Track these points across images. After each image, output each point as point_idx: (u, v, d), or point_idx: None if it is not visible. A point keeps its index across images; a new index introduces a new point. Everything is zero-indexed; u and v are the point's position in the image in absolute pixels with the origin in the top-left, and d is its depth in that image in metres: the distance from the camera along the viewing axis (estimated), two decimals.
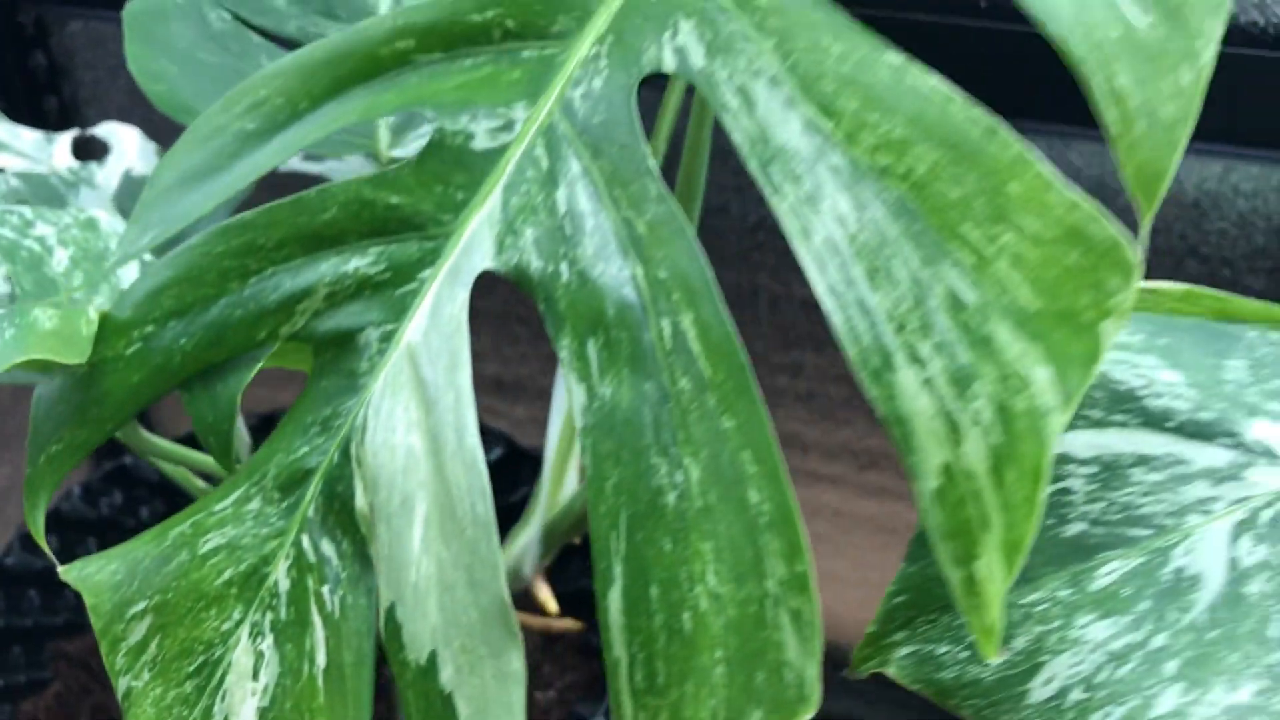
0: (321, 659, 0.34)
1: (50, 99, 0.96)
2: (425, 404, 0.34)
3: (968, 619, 0.25)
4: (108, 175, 0.71)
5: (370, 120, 0.37)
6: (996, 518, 0.25)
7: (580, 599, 0.68)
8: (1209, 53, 0.25)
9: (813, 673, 0.27)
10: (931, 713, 0.34)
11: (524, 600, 0.71)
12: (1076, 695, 0.28)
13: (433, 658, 0.32)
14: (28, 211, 0.53)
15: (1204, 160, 0.78)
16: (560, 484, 0.62)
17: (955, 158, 0.26)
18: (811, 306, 0.65)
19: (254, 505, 0.36)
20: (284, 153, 0.38)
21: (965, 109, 0.27)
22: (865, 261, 0.27)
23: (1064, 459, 0.31)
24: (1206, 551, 0.30)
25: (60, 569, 0.36)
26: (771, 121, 0.30)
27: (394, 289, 0.35)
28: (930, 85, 0.28)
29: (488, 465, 0.82)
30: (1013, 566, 0.24)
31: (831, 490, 0.91)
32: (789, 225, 0.29)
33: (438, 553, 0.32)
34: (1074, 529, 0.30)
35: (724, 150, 0.44)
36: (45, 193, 0.67)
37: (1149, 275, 0.89)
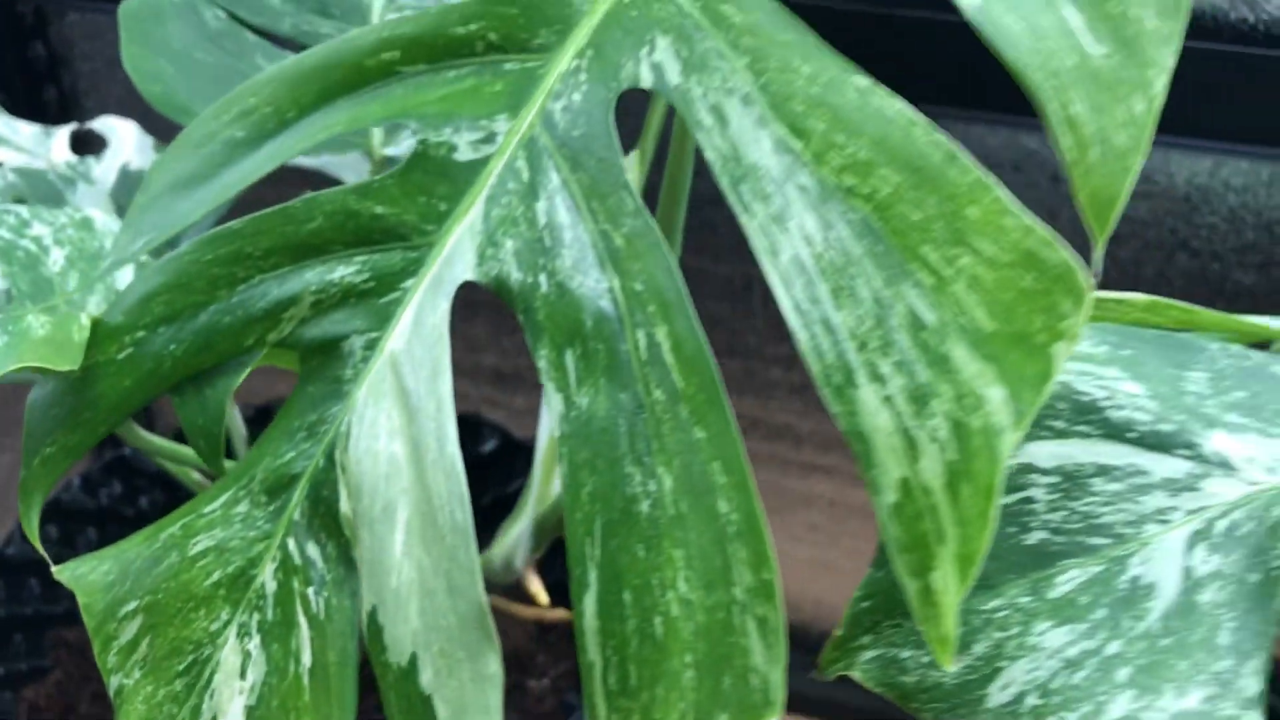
0: (307, 659, 0.35)
1: (49, 89, 0.96)
2: (408, 412, 0.34)
3: (924, 628, 0.26)
4: (105, 170, 0.72)
5: (356, 130, 0.38)
6: (951, 531, 0.25)
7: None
8: (1161, 82, 0.26)
9: (777, 678, 0.28)
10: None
11: (516, 591, 0.72)
12: (1032, 700, 0.29)
13: (413, 660, 0.33)
14: (24, 211, 0.54)
15: (1195, 156, 0.79)
16: (551, 478, 0.63)
17: (917, 181, 0.27)
18: None
19: (242, 508, 0.36)
20: (272, 161, 0.39)
21: (927, 133, 0.28)
22: (830, 280, 0.28)
23: (1027, 469, 0.32)
24: (1162, 561, 0.30)
25: (54, 569, 0.37)
26: (743, 140, 0.31)
27: (378, 298, 0.36)
28: (895, 109, 0.28)
29: (484, 456, 0.83)
30: (966, 578, 0.25)
31: (825, 481, 0.92)
32: (757, 243, 0.29)
33: (418, 558, 0.33)
34: (1035, 537, 0.31)
35: None
36: (43, 189, 0.67)
37: (1140, 268, 0.90)
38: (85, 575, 0.37)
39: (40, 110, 0.95)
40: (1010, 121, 0.77)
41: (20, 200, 0.66)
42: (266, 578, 0.36)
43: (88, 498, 0.78)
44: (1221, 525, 0.31)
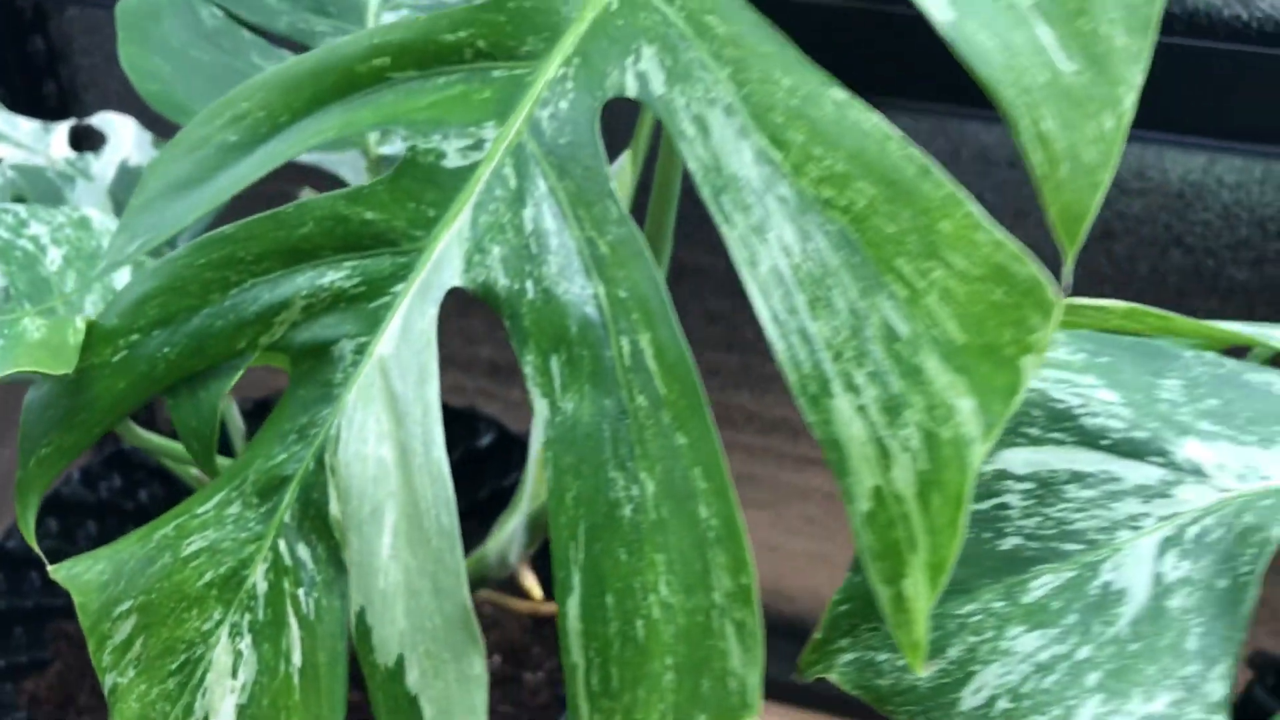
0: (297, 658, 0.35)
1: (49, 84, 0.97)
2: (396, 416, 0.35)
3: (896, 634, 0.26)
4: (104, 166, 0.72)
5: (347, 137, 0.38)
6: (922, 540, 0.26)
7: None
8: (1130, 99, 0.27)
9: (754, 681, 0.29)
10: None
11: (511, 586, 0.73)
12: (1004, 704, 0.30)
13: (400, 661, 0.34)
14: (22, 210, 0.54)
15: (1189, 153, 0.79)
16: (545, 474, 0.63)
17: (892, 194, 0.28)
18: None
19: (234, 509, 0.37)
20: (265, 166, 0.39)
21: (902, 147, 0.28)
22: (808, 291, 0.29)
23: (1002, 475, 0.32)
24: (1133, 566, 0.31)
25: (50, 568, 0.38)
26: (725, 150, 0.31)
27: (367, 302, 0.37)
28: (871, 123, 0.29)
29: (480, 450, 0.84)
30: (936, 586, 0.26)
31: (822, 474, 0.92)
32: (738, 254, 0.30)
33: (405, 561, 0.34)
34: (1010, 543, 0.32)
35: None
36: (41, 186, 0.68)
37: (1134, 265, 0.90)
38: (80, 575, 0.37)
39: (39, 105, 0.96)
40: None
41: (19, 197, 0.67)
42: (258, 578, 0.36)
43: (88, 491, 0.79)
44: (1192, 531, 0.31)
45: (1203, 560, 0.31)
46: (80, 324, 0.39)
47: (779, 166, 0.30)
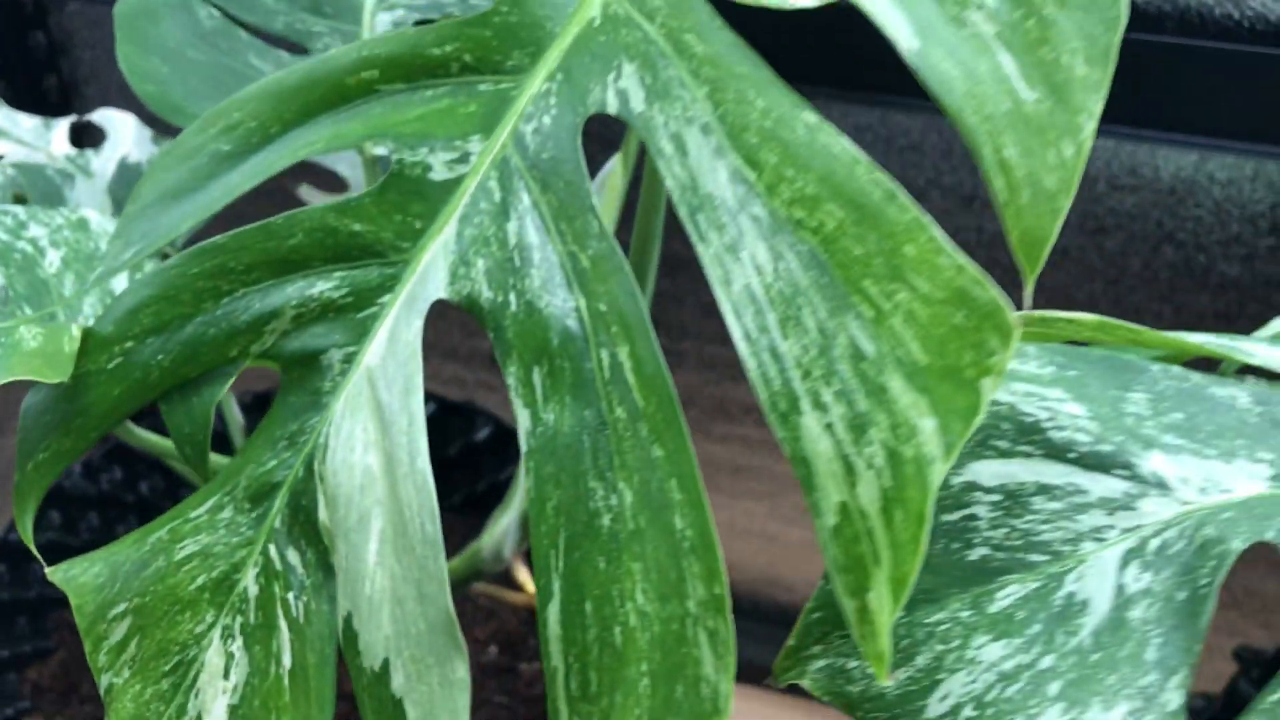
0: (287, 660, 0.36)
1: (50, 78, 0.98)
2: (382, 425, 0.36)
3: (861, 645, 0.27)
4: (104, 162, 0.73)
5: (337, 149, 0.39)
6: (886, 555, 0.27)
7: None
8: (1090, 127, 0.27)
9: (726, 688, 0.30)
10: None
11: (506, 580, 0.74)
12: (968, 713, 0.31)
13: (385, 665, 0.35)
14: (21, 212, 0.55)
15: (1181, 150, 0.80)
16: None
17: (859, 217, 0.28)
18: None
19: (226, 514, 0.38)
20: (257, 176, 0.40)
21: (869, 171, 0.29)
22: (779, 310, 0.29)
23: (971, 486, 0.33)
24: (1096, 578, 0.32)
25: (48, 570, 0.39)
26: (701, 169, 0.32)
27: (356, 312, 0.38)
28: (840, 146, 0.29)
29: (478, 444, 0.85)
30: (899, 599, 0.26)
31: None
32: (712, 272, 0.31)
33: (391, 567, 0.35)
34: (978, 553, 0.32)
35: None
36: (41, 183, 0.69)
37: (1126, 261, 0.91)
38: (77, 577, 0.38)
39: (41, 99, 0.96)
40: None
41: (19, 195, 0.68)
42: (249, 582, 0.37)
43: (89, 484, 0.80)
44: (1154, 544, 0.32)
45: (1164, 572, 0.32)
46: (76, 331, 0.40)
47: (753, 186, 0.31)
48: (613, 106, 0.35)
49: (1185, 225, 0.82)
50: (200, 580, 0.37)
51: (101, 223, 0.56)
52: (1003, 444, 0.33)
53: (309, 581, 0.37)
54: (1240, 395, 0.34)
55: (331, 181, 0.73)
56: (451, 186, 0.37)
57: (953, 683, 0.31)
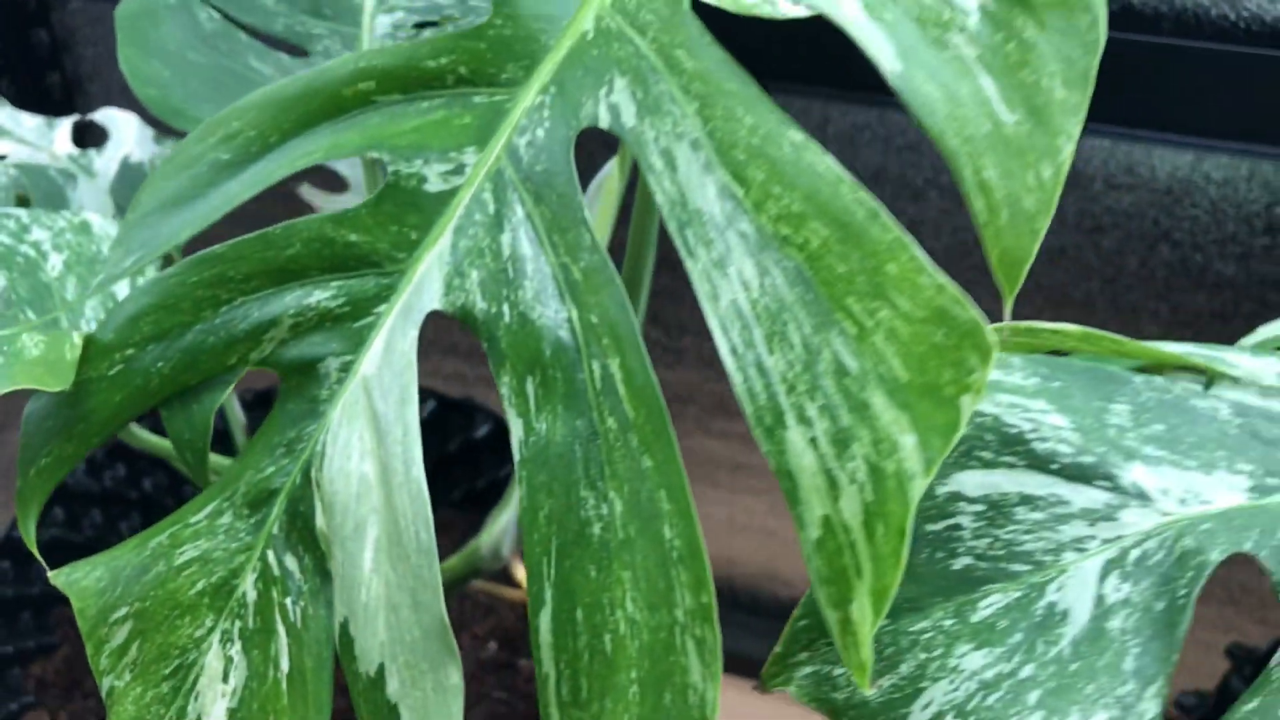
0: (285, 664, 0.37)
1: (53, 75, 0.98)
2: (377, 434, 0.36)
3: (844, 655, 0.28)
4: (106, 162, 0.74)
5: (334, 159, 0.40)
6: (868, 567, 0.27)
7: None
8: (1068, 150, 0.28)
9: (713, 695, 0.31)
10: None
11: (504, 577, 0.75)
12: None
13: (381, 670, 0.35)
14: (24, 215, 0.56)
15: (1177, 150, 0.80)
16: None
17: (843, 236, 0.29)
18: None
19: (226, 520, 0.39)
20: (255, 185, 0.41)
21: (853, 190, 0.29)
22: (765, 325, 0.30)
23: (956, 497, 0.34)
24: (1077, 588, 0.32)
25: (50, 574, 0.40)
26: (690, 185, 0.33)
27: (352, 321, 0.38)
28: (825, 165, 0.30)
29: (477, 441, 0.85)
30: (880, 611, 0.27)
31: None
32: (700, 288, 0.31)
33: (386, 575, 0.35)
34: (961, 562, 0.33)
35: None
36: (44, 184, 0.69)
37: (1123, 260, 0.91)
38: (79, 580, 0.39)
39: (44, 96, 0.97)
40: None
41: (22, 196, 0.68)
42: (248, 587, 0.38)
43: (92, 480, 0.80)
44: (1134, 554, 0.33)
45: (1143, 583, 0.32)
46: (77, 339, 0.40)
47: (741, 202, 0.31)
48: (604, 120, 0.36)
49: (1182, 224, 0.83)
50: (200, 585, 0.38)
51: (103, 226, 0.57)
52: (987, 455, 0.34)
53: (306, 587, 0.37)
54: (1221, 407, 0.35)
55: (332, 181, 0.73)
56: (446, 198, 0.38)
57: (935, 691, 0.31)
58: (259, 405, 0.81)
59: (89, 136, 0.75)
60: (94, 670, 0.38)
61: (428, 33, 0.65)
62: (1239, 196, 0.81)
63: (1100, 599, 0.32)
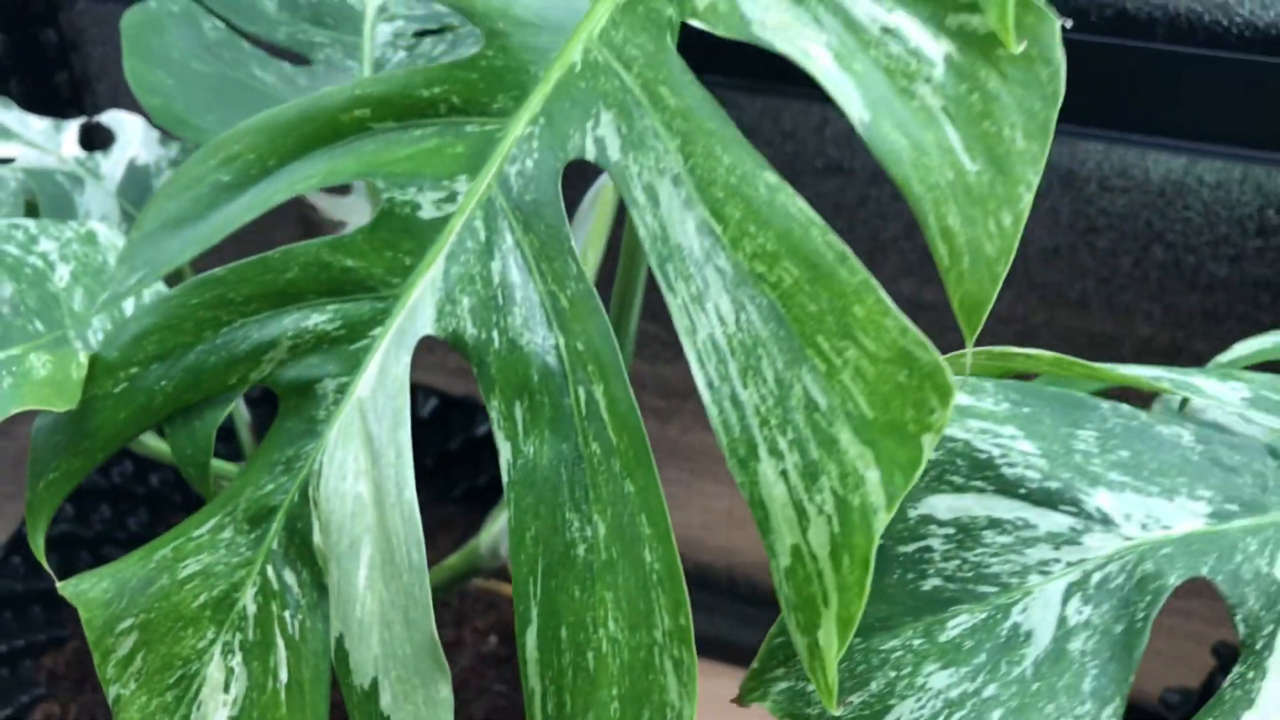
0: (284, 675, 0.38)
1: (61, 75, 0.99)
2: (372, 456, 0.38)
3: (812, 677, 0.29)
4: (113, 165, 0.75)
5: (331, 184, 0.41)
6: (834, 596, 0.29)
7: None
8: (1027, 199, 0.29)
9: (690, 713, 0.32)
10: None
11: (503, 574, 0.76)
12: None
13: (374, 684, 0.37)
14: (32, 226, 0.57)
15: (1171, 153, 0.81)
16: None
17: (814, 276, 0.30)
18: None
19: (227, 534, 0.40)
20: (255, 209, 0.42)
21: (823, 233, 0.30)
22: (740, 360, 0.31)
23: (927, 519, 0.35)
24: (1040, 610, 0.34)
25: (59, 585, 0.41)
26: (671, 220, 0.34)
27: (348, 344, 0.39)
28: (797, 206, 0.31)
29: (478, 439, 0.86)
30: (845, 638, 0.28)
31: None
32: (679, 322, 0.33)
33: (379, 592, 0.37)
34: (931, 584, 0.34)
35: None
36: (51, 189, 0.70)
37: (1117, 260, 0.92)
38: (86, 592, 0.41)
39: (52, 96, 0.98)
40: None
41: (31, 202, 0.69)
42: (248, 601, 0.39)
43: (100, 476, 0.82)
44: (1096, 578, 0.34)
45: (1103, 606, 0.33)
46: (83, 359, 0.42)
47: (719, 239, 0.32)
48: (591, 153, 0.37)
49: (1175, 226, 0.83)
50: (202, 598, 0.39)
51: (109, 236, 0.58)
52: (957, 479, 0.35)
53: (304, 601, 0.39)
54: (1184, 434, 0.36)
55: (335, 186, 0.75)
56: (439, 225, 0.39)
57: (903, 708, 0.33)
58: (264, 401, 0.83)
59: (95, 138, 0.76)
60: (101, 679, 0.39)
61: (428, 41, 0.66)
62: (1232, 199, 0.82)
63: (1063, 620, 0.33)
